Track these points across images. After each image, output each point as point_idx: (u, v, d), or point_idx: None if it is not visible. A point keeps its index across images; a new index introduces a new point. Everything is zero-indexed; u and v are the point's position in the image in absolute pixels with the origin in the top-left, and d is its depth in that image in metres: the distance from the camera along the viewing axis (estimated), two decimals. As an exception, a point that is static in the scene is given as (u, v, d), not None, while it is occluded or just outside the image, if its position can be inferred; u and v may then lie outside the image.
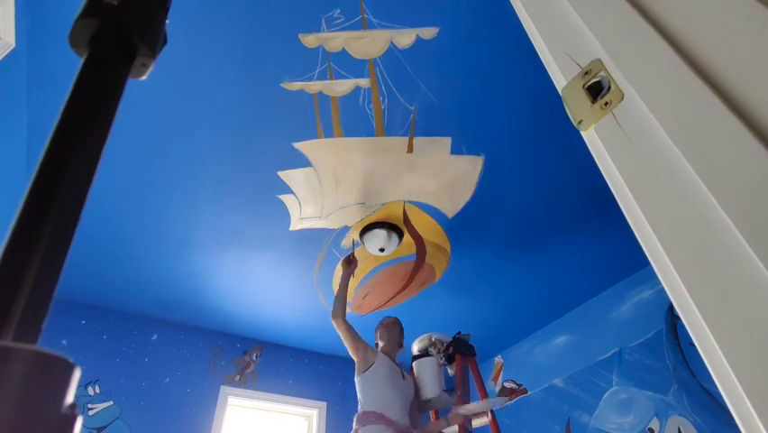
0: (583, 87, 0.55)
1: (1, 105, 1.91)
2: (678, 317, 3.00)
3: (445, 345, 2.68)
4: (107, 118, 0.28)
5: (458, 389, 2.43)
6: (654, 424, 2.94)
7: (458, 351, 2.59)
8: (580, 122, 0.55)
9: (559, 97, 0.58)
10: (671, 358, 2.99)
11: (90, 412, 3.14)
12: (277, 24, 1.89)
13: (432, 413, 2.69)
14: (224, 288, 3.39)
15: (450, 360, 2.61)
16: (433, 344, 2.72)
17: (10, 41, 1.44)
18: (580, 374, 3.58)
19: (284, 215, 2.43)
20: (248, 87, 2.10)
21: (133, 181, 2.52)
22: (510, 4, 0.75)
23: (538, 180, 2.64)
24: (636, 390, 3.13)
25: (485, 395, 2.52)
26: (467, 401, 2.39)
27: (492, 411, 2.45)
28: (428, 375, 2.62)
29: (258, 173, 2.49)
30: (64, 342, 3.24)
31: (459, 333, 2.71)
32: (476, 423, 2.47)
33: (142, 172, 2.47)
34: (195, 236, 2.91)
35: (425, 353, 2.71)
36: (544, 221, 2.91)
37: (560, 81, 0.59)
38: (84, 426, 3.05)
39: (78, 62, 0.29)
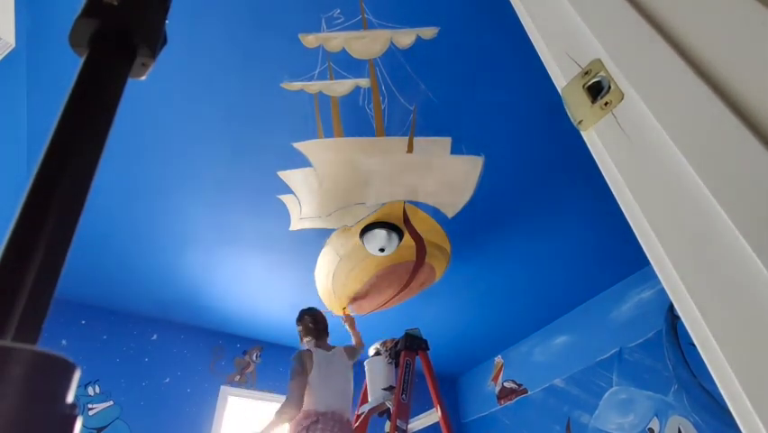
0: (583, 87, 0.55)
1: (1, 105, 1.91)
2: (678, 317, 3.00)
3: (394, 342, 2.62)
4: (107, 118, 0.28)
5: (397, 386, 2.36)
6: (654, 424, 2.94)
7: (405, 347, 2.52)
8: (580, 122, 0.55)
9: (559, 97, 0.58)
10: (671, 358, 2.99)
11: (90, 412, 3.14)
12: (277, 24, 1.89)
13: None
14: (224, 288, 3.39)
15: (396, 357, 2.54)
16: (383, 343, 2.68)
17: (10, 41, 1.44)
18: (580, 374, 3.58)
19: (284, 215, 2.43)
20: (248, 86, 2.10)
21: (133, 181, 2.52)
22: (510, 3, 0.75)
23: (538, 181, 2.64)
24: (637, 390, 3.13)
25: (435, 390, 2.46)
26: (406, 399, 2.32)
27: (443, 407, 2.37)
28: (370, 376, 2.58)
29: (258, 173, 2.49)
30: (64, 342, 3.24)
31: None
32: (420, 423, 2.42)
33: (142, 172, 2.48)
34: (195, 236, 2.91)
35: (376, 353, 2.67)
36: (545, 221, 2.92)
37: (560, 81, 0.59)
38: (84, 426, 3.05)
39: (78, 62, 0.29)
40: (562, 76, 0.58)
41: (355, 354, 2.51)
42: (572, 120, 0.56)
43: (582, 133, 0.56)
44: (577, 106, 0.55)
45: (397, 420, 2.22)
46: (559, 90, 0.59)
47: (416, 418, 2.52)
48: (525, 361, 4.17)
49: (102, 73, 0.29)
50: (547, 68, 0.63)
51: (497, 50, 2.01)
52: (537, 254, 3.20)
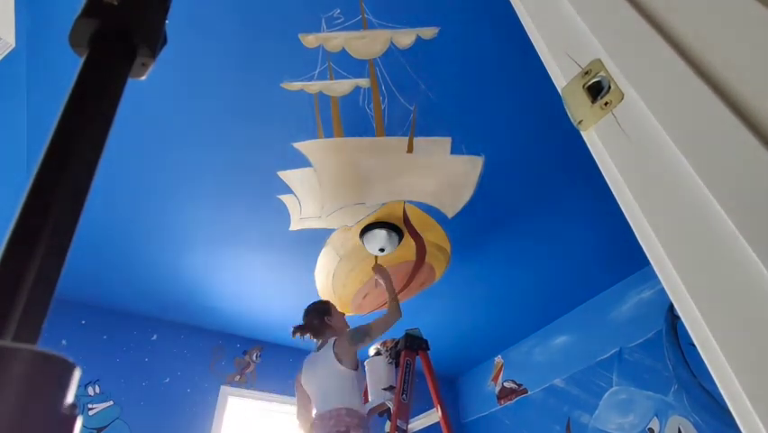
0: (583, 87, 0.55)
1: (1, 105, 1.91)
2: (678, 317, 2.99)
3: (394, 342, 2.62)
4: (107, 118, 0.28)
5: (397, 386, 2.34)
6: (654, 424, 2.94)
7: (405, 347, 2.50)
8: (580, 122, 0.55)
9: (559, 97, 0.58)
10: (671, 358, 2.99)
11: (90, 412, 3.13)
12: (276, 24, 1.89)
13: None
14: (224, 288, 3.39)
15: (397, 357, 2.53)
16: (383, 343, 2.67)
17: (10, 41, 1.44)
18: (580, 374, 3.58)
19: (284, 215, 2.43)
20: (248, 87, 2.10)
21: (133, 181, 2.52)
22: (510, 3, 0.75)
23: (538, 181, 2.64)
24: (637, 390, 3.13)
25: (435, 390, 2.46)
26: (406, 400, 2.32)
27: (443, 407, 2.37)
28: (370, 376, 2.58)
29: (258, 173, 2.49)
30: (64, 342, 3.24)
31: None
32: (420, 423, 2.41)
33: (142, 173, 2.47)
34: (195, 236, 2.91)
35: (377, 353, 2.66)
36: (545, 221, 2.91)
37: (560, 81, 0.59)
38: (84, 426, 3.05)
39: (78, 62, 0.29)
40: (562, 76, 0.58)
41: (352, 336, 2.09)
42: (572, 120, 0.56)
43: (582, 133, 0.56)
44: (577, 106, 0.55)
45: (398, 420, 2.22)
46: (559, 90, 0.59)
47: (416, 418, 2.52)
48: (525, 361, 4.17)
49: (102, 73, 0.29)
50: (547, 68, 0.63)
51: (497, 49, 2.01)
52: (537, 255, 3.20)
